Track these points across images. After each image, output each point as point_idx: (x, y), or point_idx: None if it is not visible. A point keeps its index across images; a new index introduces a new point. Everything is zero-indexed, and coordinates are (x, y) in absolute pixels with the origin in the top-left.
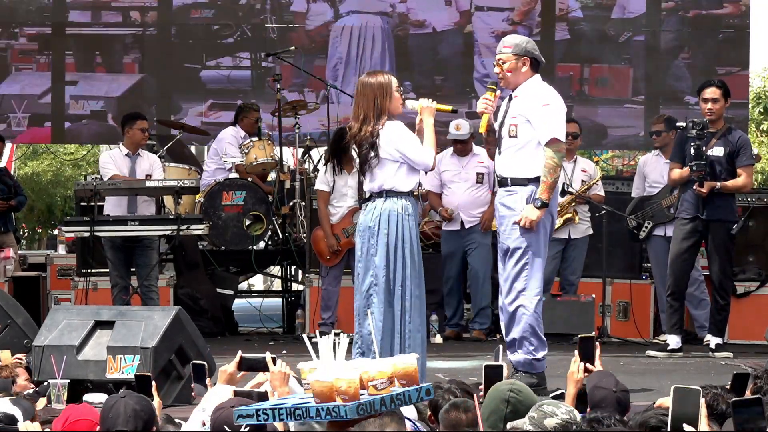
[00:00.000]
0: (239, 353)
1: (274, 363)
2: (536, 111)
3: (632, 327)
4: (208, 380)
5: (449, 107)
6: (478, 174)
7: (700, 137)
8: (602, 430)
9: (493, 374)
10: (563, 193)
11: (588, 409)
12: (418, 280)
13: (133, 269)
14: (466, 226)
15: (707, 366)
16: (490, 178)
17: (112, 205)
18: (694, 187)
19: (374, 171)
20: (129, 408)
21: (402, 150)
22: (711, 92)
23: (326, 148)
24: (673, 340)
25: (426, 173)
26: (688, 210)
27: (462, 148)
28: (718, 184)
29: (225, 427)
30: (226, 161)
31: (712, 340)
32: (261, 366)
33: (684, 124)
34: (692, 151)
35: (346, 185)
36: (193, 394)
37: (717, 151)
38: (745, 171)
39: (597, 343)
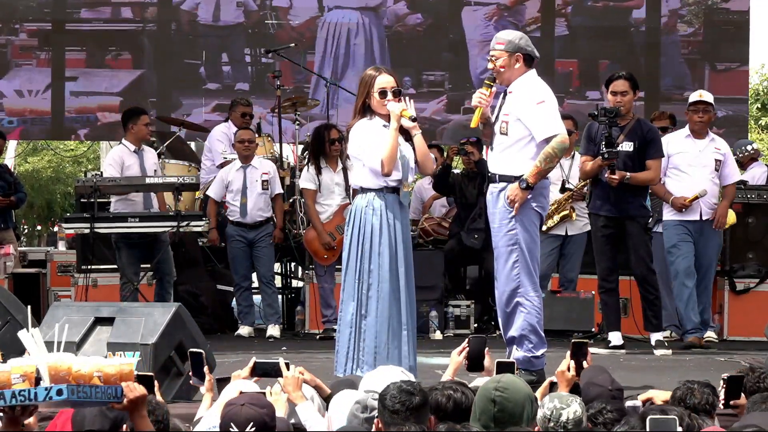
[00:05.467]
0: (253, 359)
1: (288, 368)
2: (531, 109)
3: (631, 323)
4: (205, 368)
5: (409, 114)
6: (716, 161)
7: (611, 125)
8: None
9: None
10: (563, 189)
11: None
12: (384, 275)
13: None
14: (704, 217)
15: (707, 363)
16: (725, 168)
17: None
18: (606, 175)
19: (351, 168)
20: (95, 408)
21: (353, 152)
22: (619, 85)
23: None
24: (615, 337)
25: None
26: (601, 206)
27: (701, 119)
28: (629, 174)
29: (231, 424)
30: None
31: (652, 337)
32: (274, 371)
33: (596, 112)
34: (603, 139)
35: (333, 182)
36: (191, 382)
37: (627, 146)
38: (654, 164)
39: (588, 349)
